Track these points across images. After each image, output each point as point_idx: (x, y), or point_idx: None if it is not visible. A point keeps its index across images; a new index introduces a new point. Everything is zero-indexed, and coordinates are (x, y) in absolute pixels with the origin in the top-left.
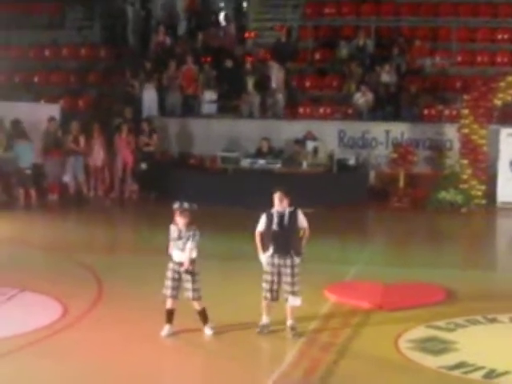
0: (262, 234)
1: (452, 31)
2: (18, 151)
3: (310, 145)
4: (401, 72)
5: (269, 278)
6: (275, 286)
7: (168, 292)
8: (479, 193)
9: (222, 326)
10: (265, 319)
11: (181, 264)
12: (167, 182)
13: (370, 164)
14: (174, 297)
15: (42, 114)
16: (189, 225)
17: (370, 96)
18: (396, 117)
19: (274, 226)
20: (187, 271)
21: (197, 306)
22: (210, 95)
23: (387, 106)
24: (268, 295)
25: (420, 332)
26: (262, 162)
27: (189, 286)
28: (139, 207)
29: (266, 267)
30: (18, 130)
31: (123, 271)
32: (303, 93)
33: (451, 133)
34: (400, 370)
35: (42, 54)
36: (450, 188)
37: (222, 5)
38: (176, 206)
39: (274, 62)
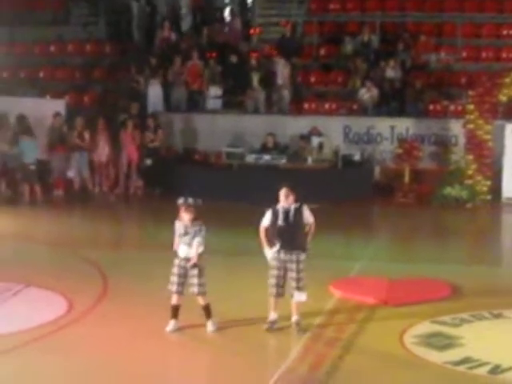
0: (267, 230)
1: (457, 27)
2: (22, 147)
3: (315, 140)
4: (406, 67)
5: (275, 273)
6: (281, 282)
7: (174, 288)
8: (484, 188)
9: (227, 322)
10: (272, 315)
11: (187, 259)
12: (172, 177)
13: (375, 159)
14: (180, 293)
15: (47, 109)
16: (194, 220)
17: (374, 91)
18: (401, 112)
19: (280, 222)
20: (195, 266)
21: (201, 301)
22: (215, 91)
23: (392, 102)
24: (274, 291)
25: (425, 327)
26: (267, 157)
27: (194, 280)
28: (144, 203)
29: (272, 262)
30: (23, 126)
31: (128, 267)
32: (308, 88)
33: (456, 128)
34: (405, 366)
35: (47, 50)
36: (455, 183)
37: (227, 0)
38: (181, 201)
39: (279, 58)
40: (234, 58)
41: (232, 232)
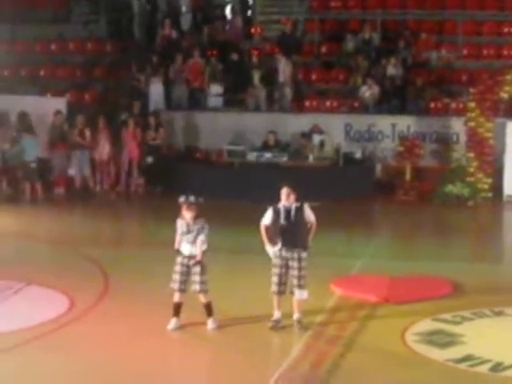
0: (268, 227)
1: (458, 24)
2: (23, 145)
3: (316, 138)
4: (407, 65)
5: (277, 271)
6: (283, 279)
7: (176, 286)
8: (486, 186)
9: (229, 320)
10: (277, 314)
11: (191, 257)
12: (173, 175)
13: (376, 157)
14: (182, 291)
15: (48, 107)
16: (196, 218)
17: (376, 89)
18: (402, 110)
19: (282, 221)
20: (198, 263)
21: (203, 298)
22: (216, 89)
23: (393, 100)
24: (276, 289)
25: (426, 325)
26: (268, 155)
27: (197, 278)
28: (145, 201)
29: (275, 260)
30: (24, 124)
31: (129, 265)
32: (309, 86)
33: (457, 126)
34: (406, 363)
35: (48, 48)
36: (456, 181)
37: None
38: (182, 199)
39: (281, 56)
40: (234, 56)
41: (233, 230)
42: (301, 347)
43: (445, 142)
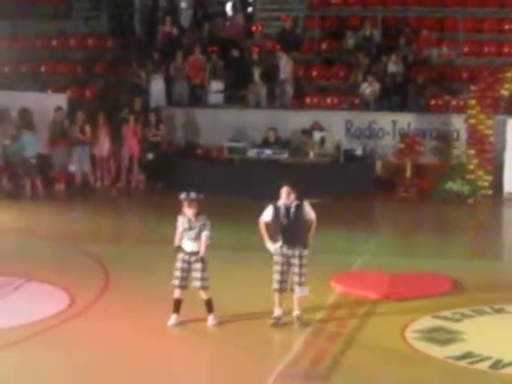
0: (268, 224)
1: (459, 22)
2: (24, 141)
3: (316, 135)
4: (407, 62)
5: (279, 268)
6: (284, 277)
7: (177, 282)
8: (486, 183)
9: (229, 316)
10: (277, 311)
11: (192, 254)
12: (174, 172)
13: (376, 154)
14: (183, 287)
15: (48, 103)
16: (197, 215)
17: (376, 86)
18: (403, 107)
19: (282, 219)
20: (201, 259)
21: (203, 295)
22: (216, 85)
23: (394, 97)
24: (277, 286)
25: (426, 322)
26: (268, 152)
27: (198, 275)
28: (146, 197)
29: (276, 258)
30: (25, 120)
31: (130, 261)
32: (310, 83)
33: (458, 123)
34: (406, 360)
35: (49, 44)
36: (456, 178)
37: None
38: (183, 196)
39: (282, 53)
40: (235, 53)
41: (234, 227)
42: (301, 344)
43: (445, 139)
